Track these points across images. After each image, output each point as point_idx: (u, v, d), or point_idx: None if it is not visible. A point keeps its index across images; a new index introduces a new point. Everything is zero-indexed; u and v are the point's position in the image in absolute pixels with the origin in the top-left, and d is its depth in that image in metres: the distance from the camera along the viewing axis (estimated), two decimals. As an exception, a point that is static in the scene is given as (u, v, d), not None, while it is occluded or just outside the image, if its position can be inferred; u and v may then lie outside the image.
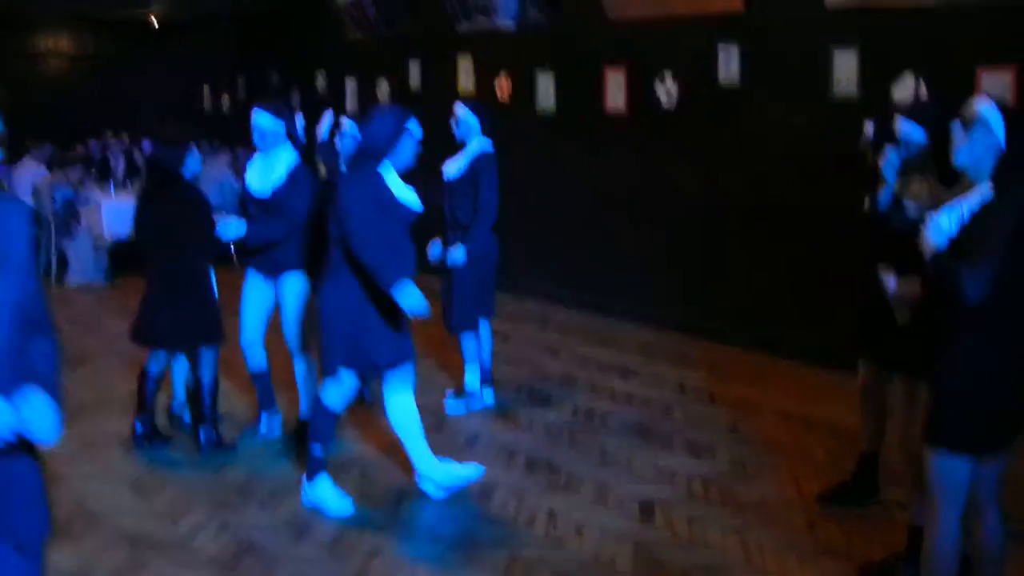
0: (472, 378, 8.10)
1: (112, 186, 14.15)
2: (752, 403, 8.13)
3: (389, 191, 5.77)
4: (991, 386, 4.08)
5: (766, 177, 9.53)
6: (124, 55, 21.02)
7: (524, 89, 12.24)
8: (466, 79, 13.14)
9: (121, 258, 12.96)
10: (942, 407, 4.16)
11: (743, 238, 9.80)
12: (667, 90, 10.42)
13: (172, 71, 20.62)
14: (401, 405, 6.10)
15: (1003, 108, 4.11)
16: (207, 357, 6.93)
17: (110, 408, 7.98)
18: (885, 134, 5.65)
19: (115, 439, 7.29)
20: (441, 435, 7.37)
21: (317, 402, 6.07)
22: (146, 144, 7.99)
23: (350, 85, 15.50)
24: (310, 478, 6.10)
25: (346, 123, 7.81)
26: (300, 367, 7.14)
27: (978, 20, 7.91)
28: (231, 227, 6.75)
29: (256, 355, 7.17)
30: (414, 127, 5.92)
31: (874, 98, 8.56)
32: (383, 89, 14.74)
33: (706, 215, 10.11)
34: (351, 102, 15.46)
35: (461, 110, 7.91)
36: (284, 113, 6.93)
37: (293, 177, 6.80)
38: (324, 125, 7.86)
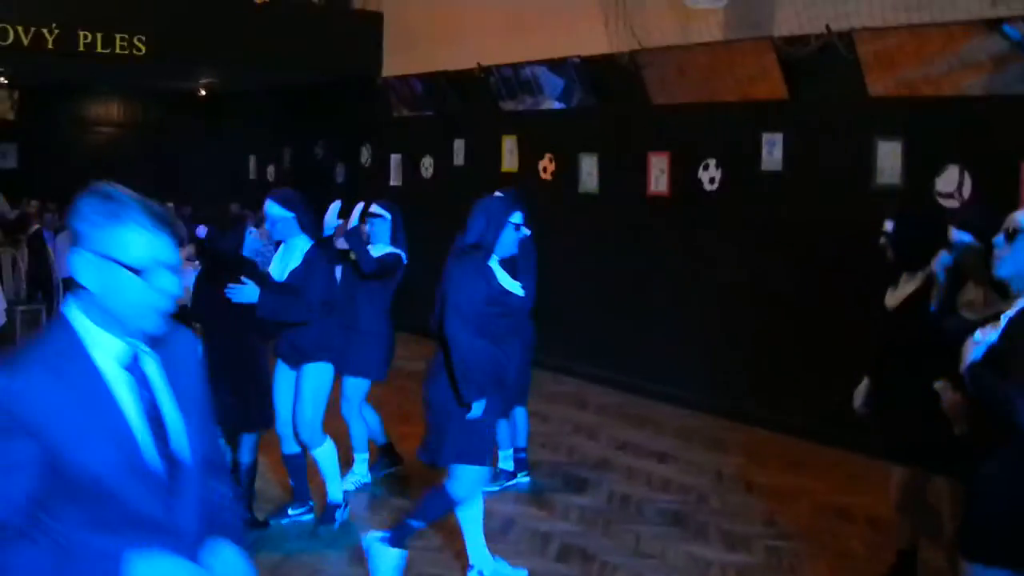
0: (505, 461, 8.10)
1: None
2: (789, 491, 8.06)
3: (496, 282, 5.81)
4: None
5: (807, 263, 9.52)
6: (172, 124, 21.30)
7: (568, 170, 12.31)
8: (510, 159, 13.24)
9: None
10: (980, 520, 4.11)
11: (782, 323, 9.77)
12: (710, 175, 10.46)
13: (219, 141, 20.85)
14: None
15: None
16: (248, 441, 6.93)
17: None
18: (905, 232, 5.67)
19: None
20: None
21: (442, 489, 6.00)
22: (200, 229, 7.98)
23: (394, 160, 15.63)
24: (392, 542, 5.98)
25: (376, 209, 7.87)
26: (323, 454, 7.04)
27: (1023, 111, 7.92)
28: (245, 291, 6.58)
29: (290, 440, 7.13)
30: (518, 218, 5.99)
31: (917, 188, 8.58)
32: (427, 166, 14.85)
33: (746, 300, 10.10)
34: (395, 178, 15.58)
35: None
36: (293, 202, 6.89)
37: (308, 263, 6.78)
38: (331, 214, 7.80)
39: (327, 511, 7.09)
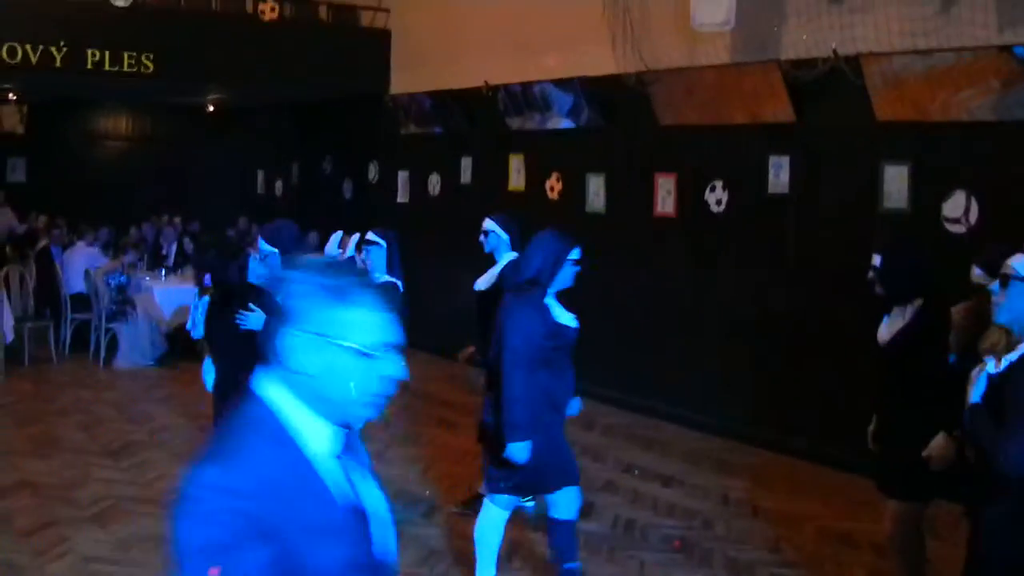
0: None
1: (163, 272, 14.27)
2: (795, 517, 8.05)
3: (552, 318, 5.90)
4: None
5: (813, 287, 9.51)
6: (181, 138, 21.33)
7: (575, 189, 12.31)
8: (517, 177, 13.25)
9: (176, 344, 13.10)
10: (985, 562, 4.12)
11: (789, 345, 9.77)
12: (717, 197, 10.46)
13: (227, 155, 20.90)
14: (495, 519, 6.15)
15: None
16: None
17: (151, 506, 7.98)
18: (893, 265, 5.64)
19: (154, 541, 7.20)
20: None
21: (568, 524, 6.11)
22: (207, 278, 7.98)
23: (402, 177, 15.64)
24: None
25: (372, 236, 7.67)
26: None
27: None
28: (252, 319, 6.58)
29: None
30: (576, 255, 6.03)
31: (924, 213, 8.58)
32: (434, 183, 14.87)
33: (752, 322, 10.09)
34: (402, 195, 15.59)
35: (491, 225, 7.93)
36: (277, 239, 6.89)
37: None
38: (332, 244, 7.83)
39: None
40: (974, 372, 4.22)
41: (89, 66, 13.41)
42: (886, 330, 5.70)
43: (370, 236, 7.63)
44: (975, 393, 4.12)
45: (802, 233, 9.64)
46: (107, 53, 13.47)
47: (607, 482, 8.96)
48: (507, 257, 7.82)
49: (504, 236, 7.86)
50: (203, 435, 7.64)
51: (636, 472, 9.27)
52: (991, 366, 4.13)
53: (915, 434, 5.32)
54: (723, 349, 10.44)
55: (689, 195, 10.83)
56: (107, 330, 13.43)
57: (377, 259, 7.55)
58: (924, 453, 5.23)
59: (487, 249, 7.95)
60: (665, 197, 11.09)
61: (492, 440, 5.99)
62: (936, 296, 5.53)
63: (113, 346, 13.47)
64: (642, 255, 11.35)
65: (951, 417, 4.82)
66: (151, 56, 13.74)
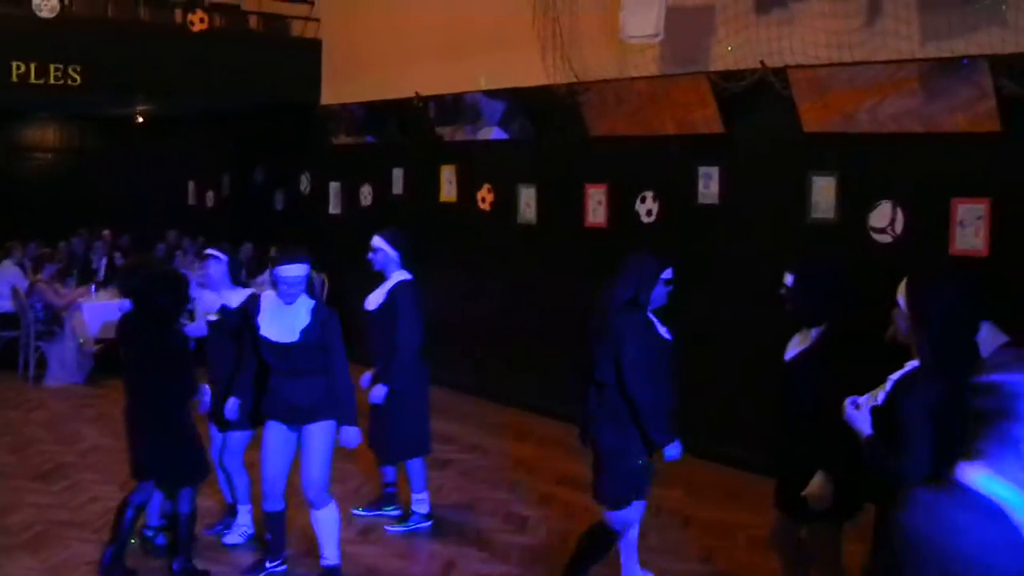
0: (419, 504, 8.19)
1: (93, 288, 14.08)
2: (726, 527, 8.12)
3: (657, 332, 6.21)
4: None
5: (742, 297, 9.59)
6: (110, 150, 21.09)
7: (506, 200, 12.33)
8: (448, 188, 13.25)
9: (106, 360, 12.92)
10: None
11: (718, 354, 9.83)
12: (647, 207, 10.52)
13: (158, 167, 20.69)
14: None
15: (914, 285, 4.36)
16: (188, 492, 6.86)
17: (84, 530, 7.89)
18: (803, 287, 5.69)
19: (87, 567, 7.13)
20: (417, 564, 7.33)
21: (605, 528, 6.33)
22: (124, 303, 7.93)
23: (333, 188, 15.58)
24: None
25: (211, 251, 7.88)
26: (327, 515, 6.82)
27: (957, 150, 8.04)
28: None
29: (275, 498, 6.88)
30: (668, 275, 6.33)
31: (851, 223, 8.69)
32: (366, 194, 14.82)
33: (681, 331, 10.06)
34: (334, 205, 15.54)
35: (380, 242, 8.03)
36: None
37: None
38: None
39: (326, 574, 6.87)
40: (848, 405, 4.32)
41: (14, 79, 13.22)
42: (790, 349, 5.77)
43: (209, 251, 7.82)
44: (865, 426, 4.23)
45: (731, 243, 9.72)
46: (33, 65, 13.29)
47: (542, 494, 8.98)
48: (397, 275, 7.88)
49: (393, 253, 7.94)
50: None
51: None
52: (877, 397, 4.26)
53: (801, 458, 5.44)
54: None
55: (620, 205, 10.88)
56: (36, 348, 13.26)
57: (216, 273, 7.63)
58: (803, 493, 5.33)
59: (376, 267, 8.03)
60: (596, 207, 11.15)
61: (614, 456, 6.17)
62: (841, 322, 5.56)
63: (42, 364, 13.30)
64: (574, 265, 11.38)
65: (836, 449, 4.96)
66: (78, 68, 13.57)
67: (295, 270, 6.56)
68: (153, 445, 6.70)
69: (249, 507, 7.76)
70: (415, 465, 8.09)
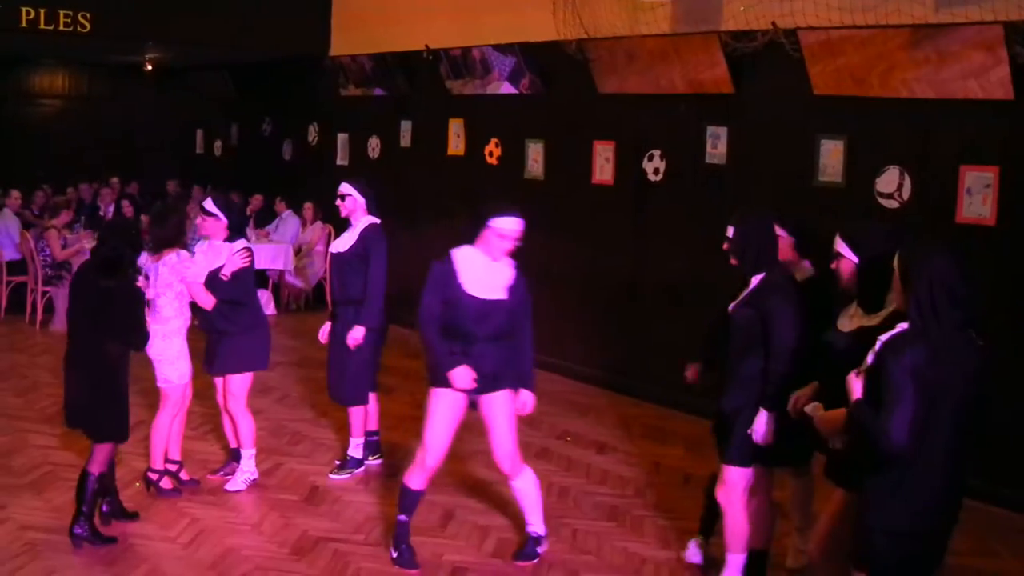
0: (355, 449, 8.27)
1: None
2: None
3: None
4: (913, 518, 4.34)
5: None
6: (119, 97, 21.02)
7: (514, 155, 12.33)
8: (456, 142, 13.24)
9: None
10: (868, 535, 4.42)
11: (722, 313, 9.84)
12: (655, 166, 10.53)
13: (166, 115, 20.67)
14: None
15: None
16: (102, 450, 6.75)
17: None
18: (742, 237, 5.85)
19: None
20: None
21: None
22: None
23: (341, 140, 15.58)
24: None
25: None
26: (527, 484, 6.63)
27: (967, 117, 8.02)
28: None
29: (423, 480, 6.55)
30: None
31: (858, 187, 8.69)
32: (374, 146, 14.82)
33: (688, 290, 10.18)
34: (341, 157, 15.54)
35: (348, 189, 8.04)
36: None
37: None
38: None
39: (529, 543, 6.73)
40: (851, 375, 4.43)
41: (24, 24, 13.16)
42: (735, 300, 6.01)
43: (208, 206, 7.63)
44: (856, 389, 4.35)
45: (738, 203, 9.70)
46: (42, 11, 13.22)
47: (542, 449, 9.03)
48: (364, 221, 7.96)
49: (361, 200, 7.99)
50: (135, 399, 7.60)
51: (569, 439, 9.35)
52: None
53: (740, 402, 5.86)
54: (659, 317, 10.53)
55: (627, 163, 10.88)
56: (43, 293, 13.31)
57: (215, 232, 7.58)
58: (748, 431, 5.74)
59: (344, 213, 8.06)
60: (603, 165, 11.15)
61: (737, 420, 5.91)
62: (775, 272, 5.85)
63: (50, 309, 13.36)
64: (580, 222, 11.41)
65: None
66: (87, 15, 13.51)
67: (513, 223, 6.34)
68: (83, 394, 6.66)
69: (253, 451, 7.80)
70: (357, 411, 8.18)
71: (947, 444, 4.27)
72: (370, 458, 8.39)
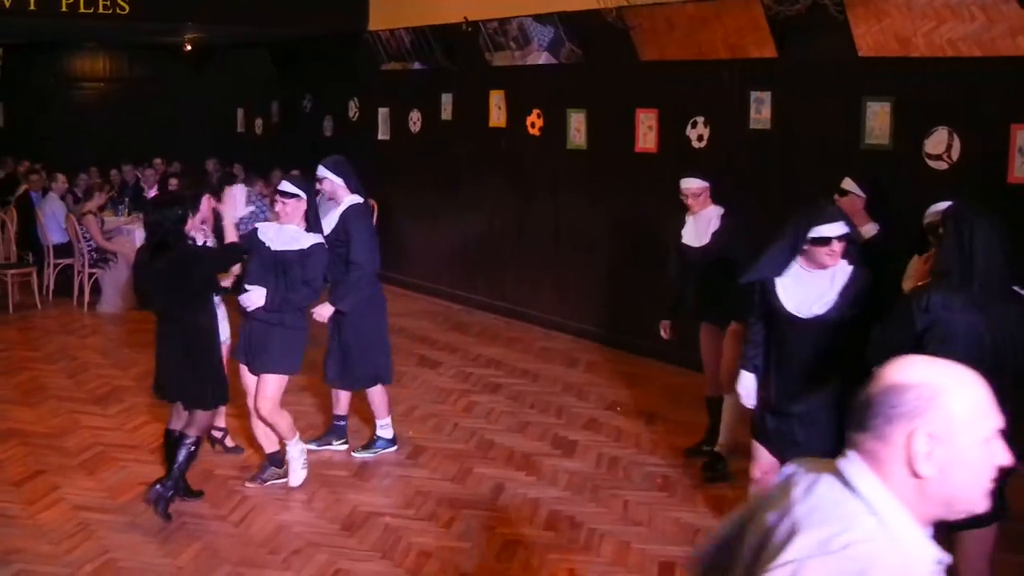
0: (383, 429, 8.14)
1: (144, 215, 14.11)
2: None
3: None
4: None
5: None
6: (159, 78, 21.11)
7: (556, 125, 12.27)
8: (497, 113, 13.19)
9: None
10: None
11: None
12: (698, 132, 10.43)
13: (206, 94, 20.73)
14: None
15: None
16: (201, 418, 6.82)
17: (139, 452, 8.04)
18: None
19: (144, 487, 7.17)
20: (464, 487, 7.39)
21: None
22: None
23: (382, 114, 15.57)
24: None
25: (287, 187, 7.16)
26: None
27: (1017, 74, 7.86)
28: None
29: None
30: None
31: (906, 150, 8.56)
32: (414, 120, 14.79)
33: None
34: (382, 131, 15.53)
35: (324, 172, 7.75)
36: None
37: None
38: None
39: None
40: None
41: (64, 8, 13.20)
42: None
43: (285, 187, 7.15)
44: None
45: (783, 169, 9.61)
46: (82, -5, 13.30)
47: (590, 420, 9.01)
48: (348, 200, 7.73)
49: (338, 180, 7.73)
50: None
51: (619, 410, 9.32)
52: None
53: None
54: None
55: (670, 131, 10.79)
56: (90, 275, 13.40)
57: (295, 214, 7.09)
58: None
59: (328, 196, 7.81)
60: (646, 133, 11.06)
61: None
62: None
63: (97, 290, 13.45)
64: (624, 191, 11.33)
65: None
66: (126, -3, 13.57)
67: (835, 229, 5.29)
68: (179, 367, 6.72)
69: (296, 438, 7.37)
70: (376, 393, 8.00)
71: None
72: (335, 443, 8.16)
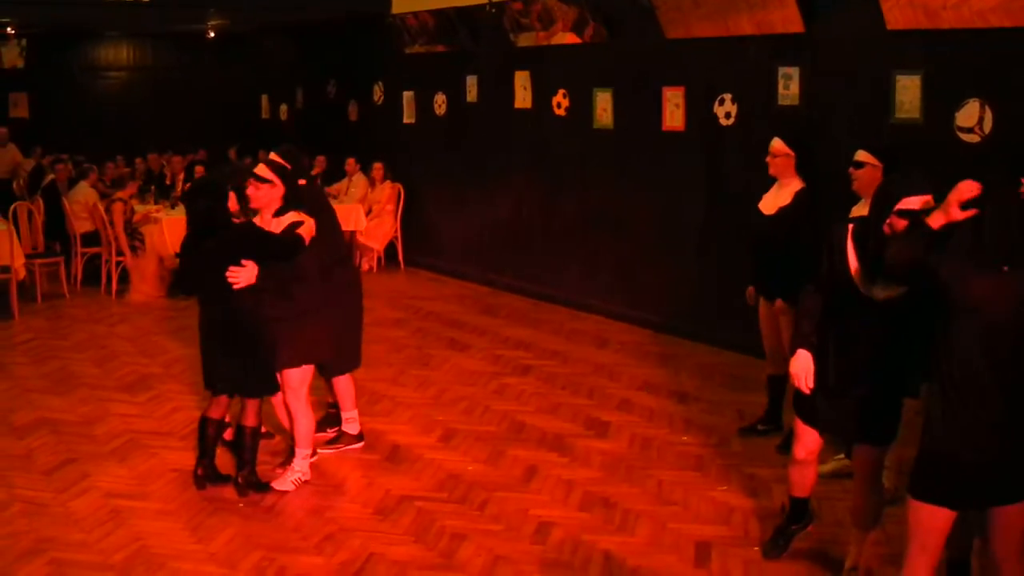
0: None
1: (172, 204, 14.11)
2: (811, 432, 8.02)
3: None
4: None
5: (824, 199, 9.40)
6: (183, 66, 21.16)
7: (582, 105, 12.19)
8: (523, 95, 13.12)
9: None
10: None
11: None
12: (726, 110, 10.34)
13: (231, 81, 20.76)
14: None
15: None
16: (252, 406, 6.85)
17: (169, 439, 8.03)
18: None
19: (175, 474, 7.27)
20: (497, 469, 7.36)
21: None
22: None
23: (407, 98, 15.52)
24: None
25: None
26: None
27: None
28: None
29: None
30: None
31: (937, 123, 8.46)
32: (439, 103, 14.74)
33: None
34: (408, 115, 15.48)
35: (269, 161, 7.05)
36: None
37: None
38: None
39: None
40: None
41: (87, -5, 13.24)
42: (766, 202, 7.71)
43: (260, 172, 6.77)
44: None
45: (813, 145, 9.50)
46: (105, -18, 13.30)
47: (622, 400, 8.96)
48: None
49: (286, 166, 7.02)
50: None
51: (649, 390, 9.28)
52: None
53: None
54: (734, 264, 10.35)
55: (697, 108, 10.71)
56: (118, 263, 13.41)
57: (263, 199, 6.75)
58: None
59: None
60: (673, 111, 10.98)
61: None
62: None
63: (125, 278, 13.47)
64: (652, 169, 11.26)
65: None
66: (150, -16, 13.57)
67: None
68: (230, 357, 6.68)
69: (308, 452, 7.18)
70: (343, 382, 7.70)
71: (1001, 379, 4.26)
72: (328, 431, 7.98)
